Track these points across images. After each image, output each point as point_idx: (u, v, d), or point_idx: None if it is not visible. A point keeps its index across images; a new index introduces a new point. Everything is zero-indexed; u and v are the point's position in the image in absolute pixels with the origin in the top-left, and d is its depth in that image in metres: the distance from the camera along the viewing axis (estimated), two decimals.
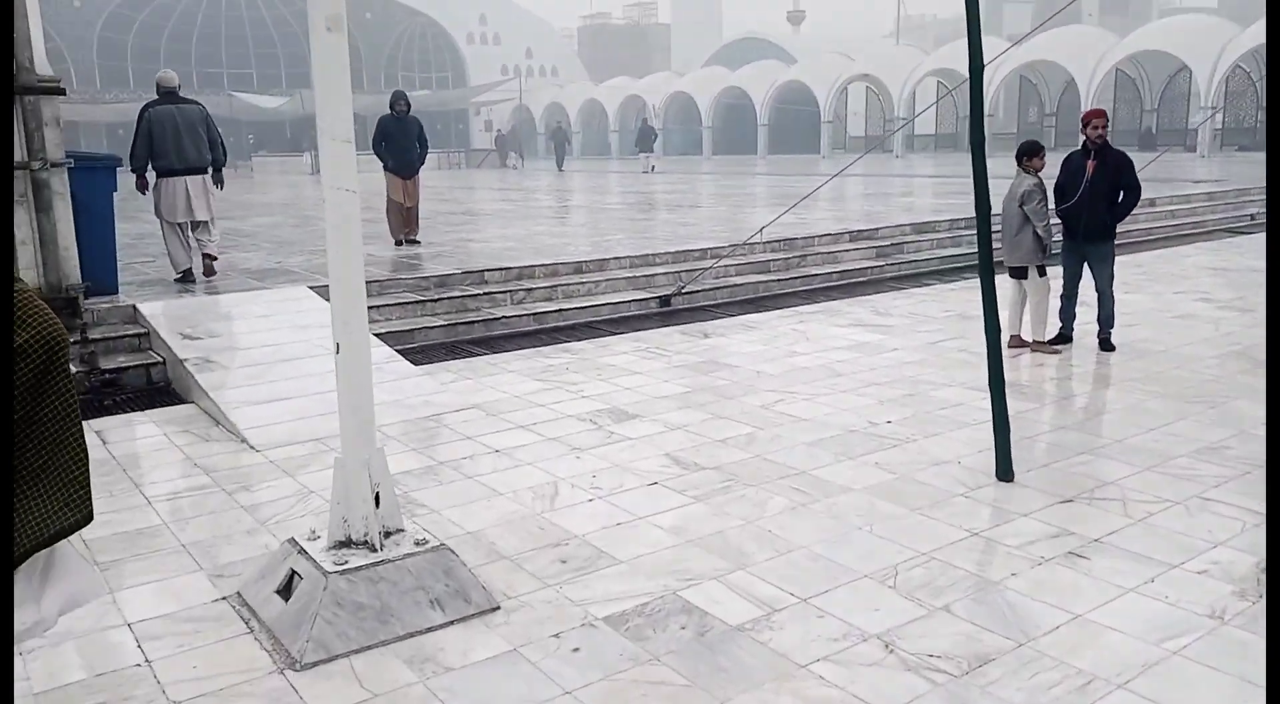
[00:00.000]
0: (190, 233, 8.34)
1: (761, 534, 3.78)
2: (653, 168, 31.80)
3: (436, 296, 8.24)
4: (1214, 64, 30.65)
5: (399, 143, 10.67)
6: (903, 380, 6.09)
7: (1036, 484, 4.26)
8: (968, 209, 14.02)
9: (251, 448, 5.00)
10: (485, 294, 8.45)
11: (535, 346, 7.42)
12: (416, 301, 8.07)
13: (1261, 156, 29.56)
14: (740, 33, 58.97)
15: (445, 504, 4.15)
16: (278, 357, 6.21)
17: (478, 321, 7.99)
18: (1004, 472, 4.31)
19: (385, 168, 10.79)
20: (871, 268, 10.31)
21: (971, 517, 3.93)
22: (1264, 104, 33.34)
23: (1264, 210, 15.41)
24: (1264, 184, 17.38)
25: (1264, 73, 33.41)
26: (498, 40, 61.08)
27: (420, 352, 7.27)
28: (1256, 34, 30.95)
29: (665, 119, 50.23)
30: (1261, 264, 10.64)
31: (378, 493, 3.21)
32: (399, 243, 10.89)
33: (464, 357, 7.13)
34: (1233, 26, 33.24)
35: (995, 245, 4.58)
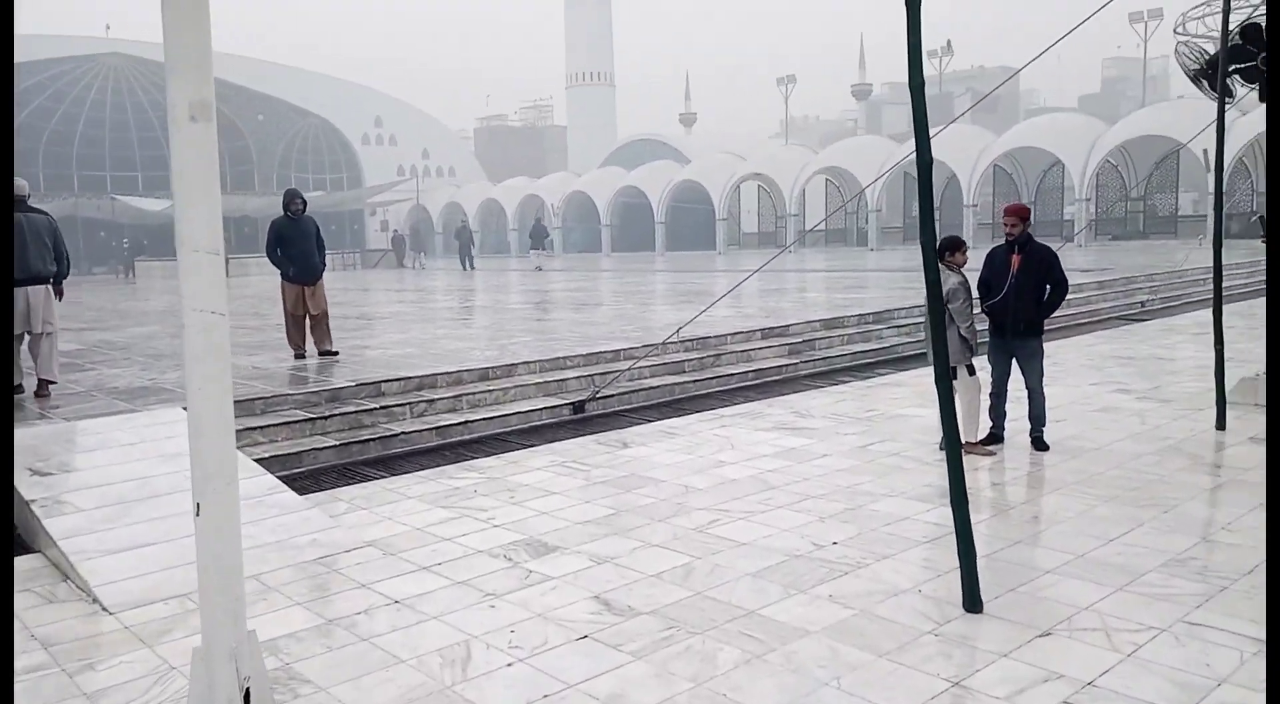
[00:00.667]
0: (27, 347, 7.80)
1: (716, 699, 3.24)
2: (539, 268, 31.80)
3: (328, 413, 7.56)
4: (1085, 158, 32.47)
5: (298, 247, 9.66)
6: (839, 491, 5.69)
7: (1008, 614, 3.85)
8: (871, 303, 14.20)
9: (104, 609, 4.23)
10: (382, 408, 7.80)
11: (439, 465, 6.79)
12: (306, 419, 7.37)
13: (1133, 245, 31.16)
14: (635, 134, 60.24)
15: (335, 678, 3.48)
16: (142, 493, 5.44)
17: (374, 439, 7.33)
18: (972, 602, 3.88)
19: (285, 277, 9.72)
20: (786, 366, 10.04)
21: (946, 660, 3.47)
22: (1133, 195, 35.38)
23: (1152, 298, 15.94)
24: (1147, 273, 18.07)
25: (1131, 165, 35.55)
26: (394, 141, 61.01)
27: (309, 477, 6.57)
28: (1121, 132, 32.99)
29: (565, 218, 50.58)
30: (1165, 353, 10.80)
31: (248, 689, 2.57)
32: (300, 355, 9.81)
33: (359, 481, 6.46)
34: (1100, 124, 35.43)
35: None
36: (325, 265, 10.03)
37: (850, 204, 42.64)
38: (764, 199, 45.69)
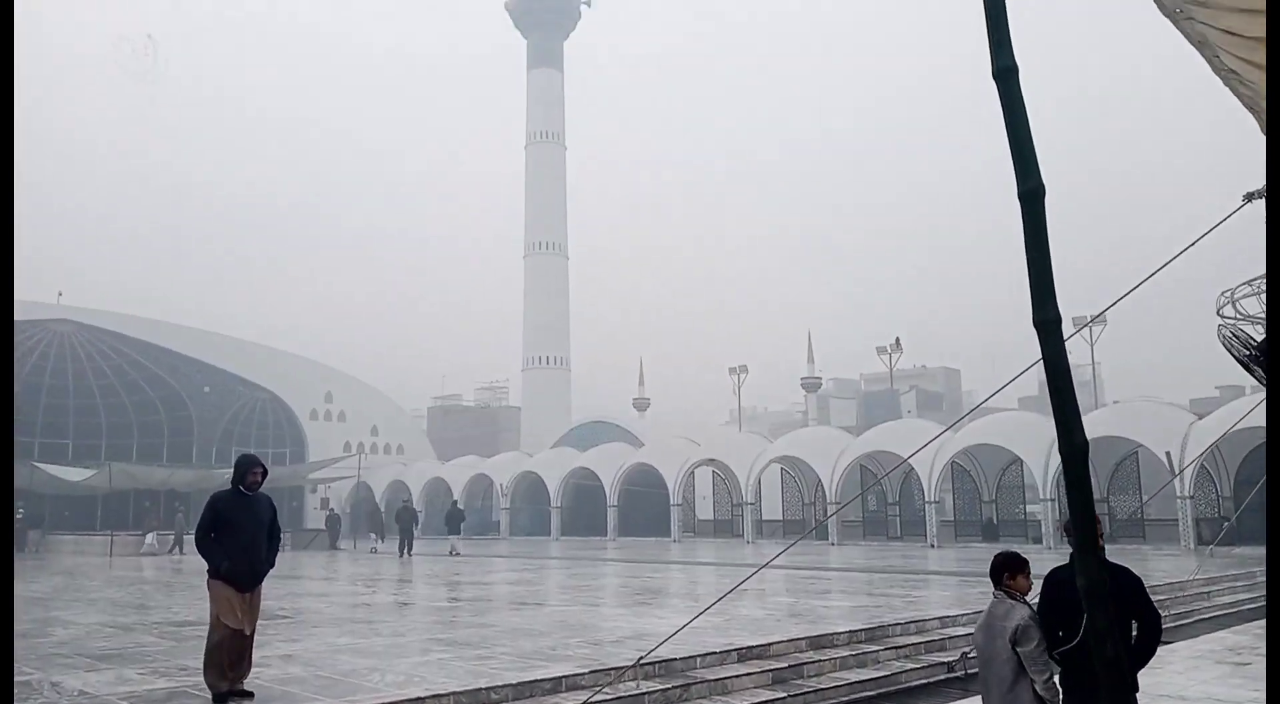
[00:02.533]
0: None
1: None
2: (456, 552, 29.85)
3: None
4: (1046, 456, 31.95)
5: (245, 533, 7.17)
6: None
7: None
8: (854, 615, 12.19)
9: None
10: None
11: None
12: None
13: (1109, 549, 29.84)
14: (588, 415, 60.02)
15: None
16: None
17: None
18: None
19: (216, 573, 7.09)
20: (773, 701, 8.10)
21: None
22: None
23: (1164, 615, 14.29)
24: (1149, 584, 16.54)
25: (1092, 466, 35.19)
26: (343, 417, 60.01)
27: None
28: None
29: (514, 498, 48.77)
30: (1227, 695, 9.05)
31: None
32: (222, 697, 6.92)
33: None
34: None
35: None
36: (272, 565, 7.47)
37: (807, 495, 41.60)
38: (719, 485, 44.49)
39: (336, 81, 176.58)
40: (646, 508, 43.76)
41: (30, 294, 48.60)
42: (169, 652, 9.19)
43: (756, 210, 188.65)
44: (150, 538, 35.24)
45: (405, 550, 29.60)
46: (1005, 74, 2.46)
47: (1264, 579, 14.75)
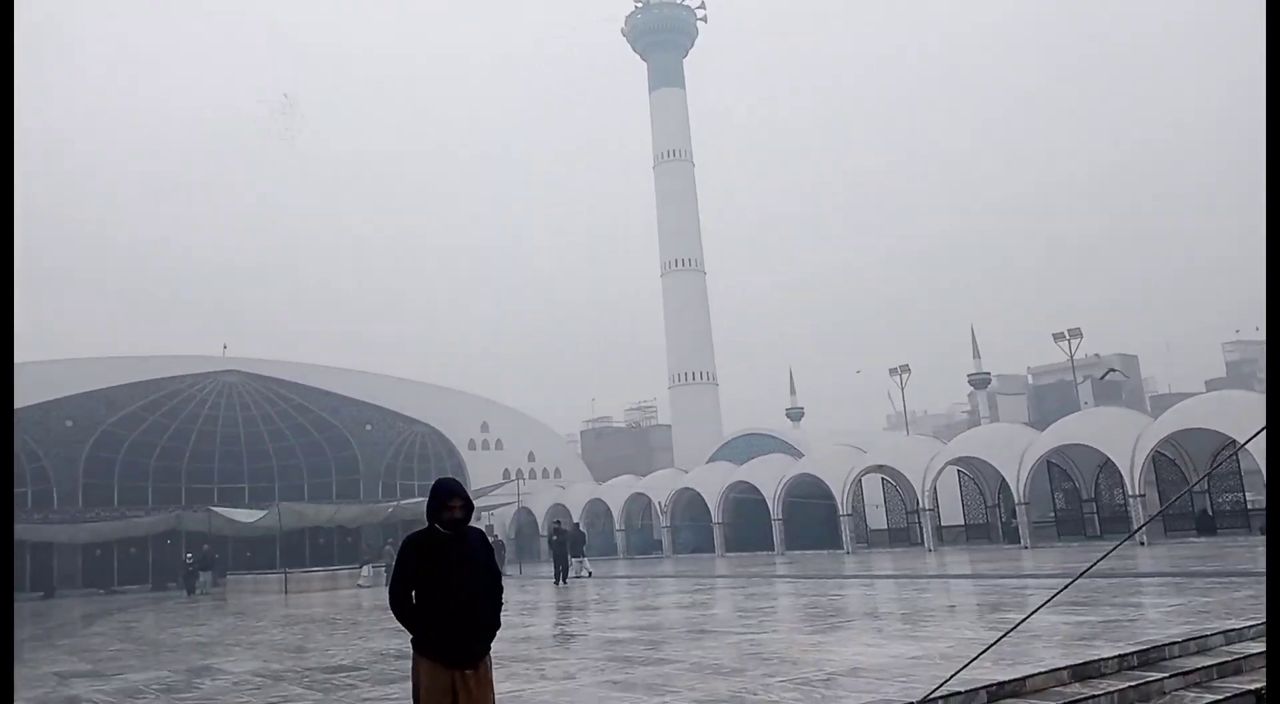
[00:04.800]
0: None
1: None
2: (588, 572, 29.18)
3: None
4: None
5: (456, 585, 5.02)
6: None
7: None
8: (1105, 632, 9.30)
9: None
10: None
11: None
12: None
13: None
14: (741, 429, 58.16)
15: None
16: None
17: None
18: None
19: (422, 647, 5.04)
20: None
21: None
22: None
23: None
24: None
25: None
26: (500, 445, 60.41)
27: None
28: None
29: (673, 515, 47.54)
30: None
31: None
32: None
33: None
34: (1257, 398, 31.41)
35: None
36: (497, 626, 5.22)
37: (989, 497, 38.56)
38: (890, 492, 41.85)
39: (471, 114, 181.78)
40: (812, 519, 41.61)
41: (198, 348, 50.94)
42: None
43: (894, 214, 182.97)
44: (366, 570, 36.03)
45: (561, 577, 28.29)
46: None
47: None
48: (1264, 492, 28.24)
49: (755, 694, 7.41)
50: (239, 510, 45.38)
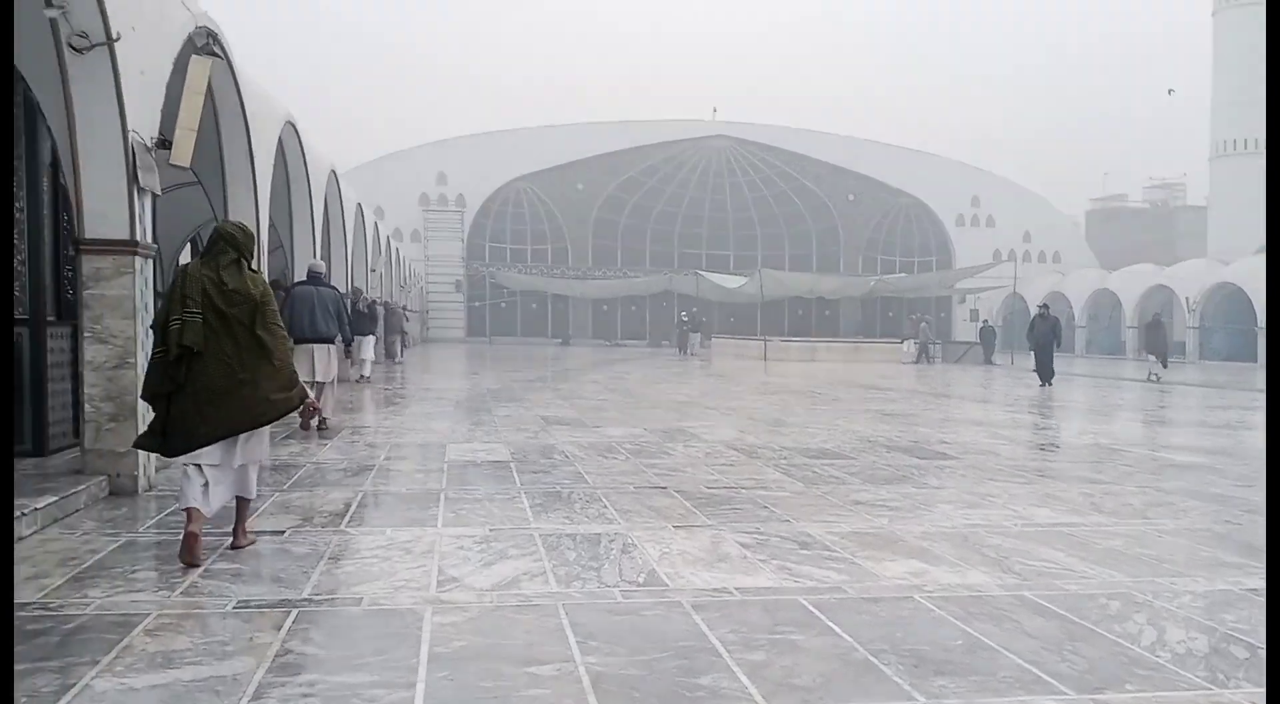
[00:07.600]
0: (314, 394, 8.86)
1: None
2: (1155, 377, 23.72)
3: None
4: None
5: None
6: None
7: None
8: None
9: None
10: None
11: None
12: None
13: None
14: None
15: None
16: None
17: None
18: None
19: None
20: None
21: None
22: None
23: None
24: None
25: None
26: (991, 223, 55.31)
27: None
28: None
29: (1202, 316, 40.22)
30: None
31: None
32: None
33: None
34: None
35: None
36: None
37: None
38: None
39: None
40: None
41: (687, 113, 51.34)
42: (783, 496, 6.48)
43: None
44: (907, 346, 35.49)
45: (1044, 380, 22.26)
46: None
47: None
48: None
49: None
50: (724, 276, 46.62)
